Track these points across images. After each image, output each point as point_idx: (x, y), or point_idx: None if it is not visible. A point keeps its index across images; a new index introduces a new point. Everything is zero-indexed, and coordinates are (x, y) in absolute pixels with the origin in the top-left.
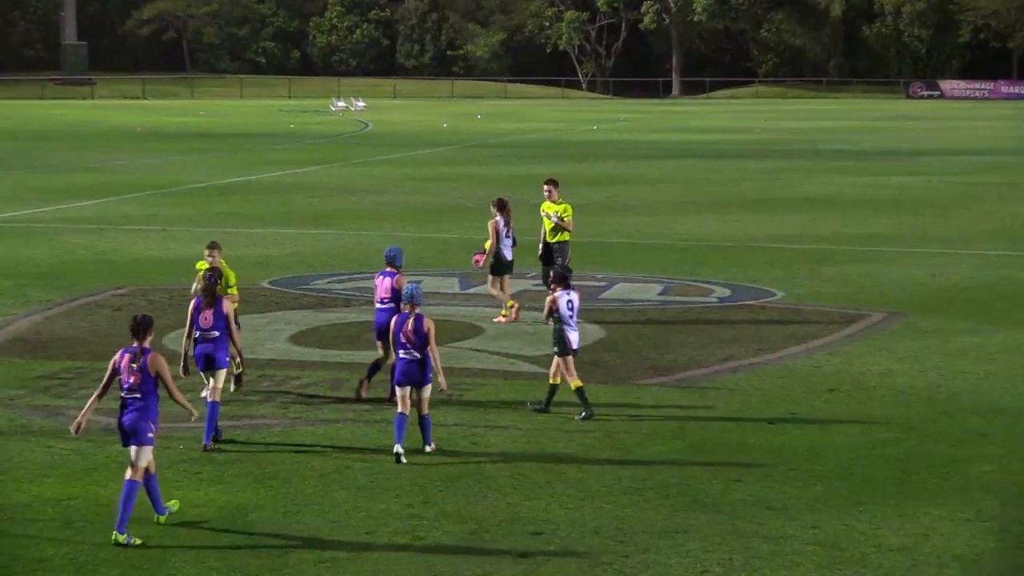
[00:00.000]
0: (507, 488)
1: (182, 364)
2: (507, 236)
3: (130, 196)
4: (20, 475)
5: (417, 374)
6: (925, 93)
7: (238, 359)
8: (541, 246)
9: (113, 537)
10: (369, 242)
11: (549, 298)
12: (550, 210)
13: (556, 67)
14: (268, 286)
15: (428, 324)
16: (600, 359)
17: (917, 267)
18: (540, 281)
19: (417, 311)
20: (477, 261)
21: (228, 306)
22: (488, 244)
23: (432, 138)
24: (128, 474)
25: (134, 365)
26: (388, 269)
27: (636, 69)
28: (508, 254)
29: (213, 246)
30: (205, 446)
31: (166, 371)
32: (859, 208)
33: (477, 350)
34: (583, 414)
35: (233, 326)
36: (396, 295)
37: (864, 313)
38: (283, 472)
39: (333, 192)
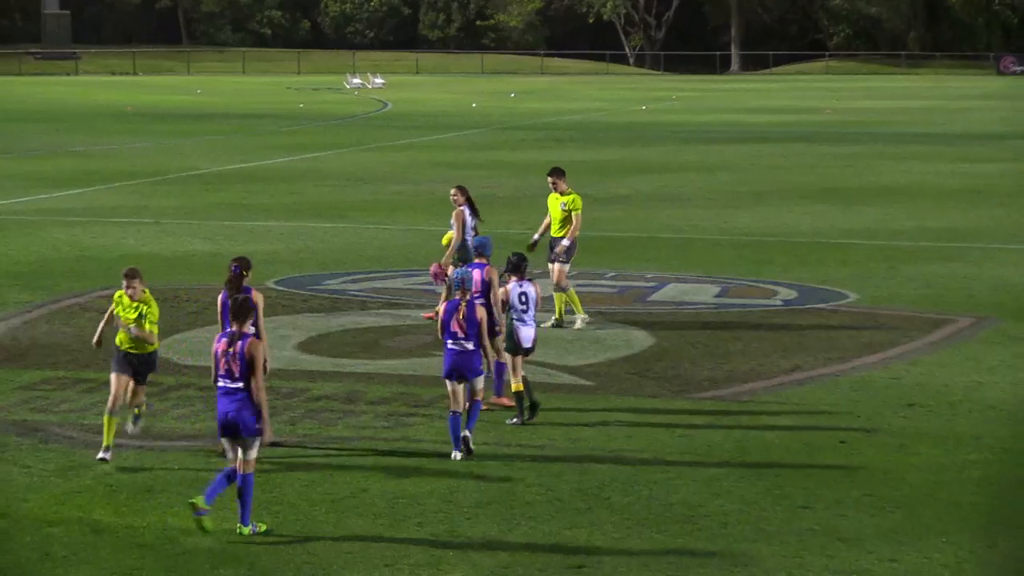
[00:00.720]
0: (543, 515)
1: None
2: (472, 228)
3: (119, 184)
4: None
5: (468, 366)
6: (1018, 68)
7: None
8: (534, 239)
9: (238, 529)
10: (388, 237)
11: (501, 289)
12: (559, 201)
13: (599, 39)
14: (273, 286)
15: (481, 312)
16: (649, 369)
17: (1010, 266)
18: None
19: (469, 298)
20: (437, 274)
21: (258, 298)
22: (448, 238)
23: (459, 119)
24: (240, 468)
25: (231, 350)
26: (477, 260)
27: (690, 41)
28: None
29: (132, 275)
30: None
31: (259, 360)
32: (944, 199)
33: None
34: (514, 420)
35: (261, 324)
36: (487, 288)
37: (949, 318)
38: (290, 496)
39: (347, 180)
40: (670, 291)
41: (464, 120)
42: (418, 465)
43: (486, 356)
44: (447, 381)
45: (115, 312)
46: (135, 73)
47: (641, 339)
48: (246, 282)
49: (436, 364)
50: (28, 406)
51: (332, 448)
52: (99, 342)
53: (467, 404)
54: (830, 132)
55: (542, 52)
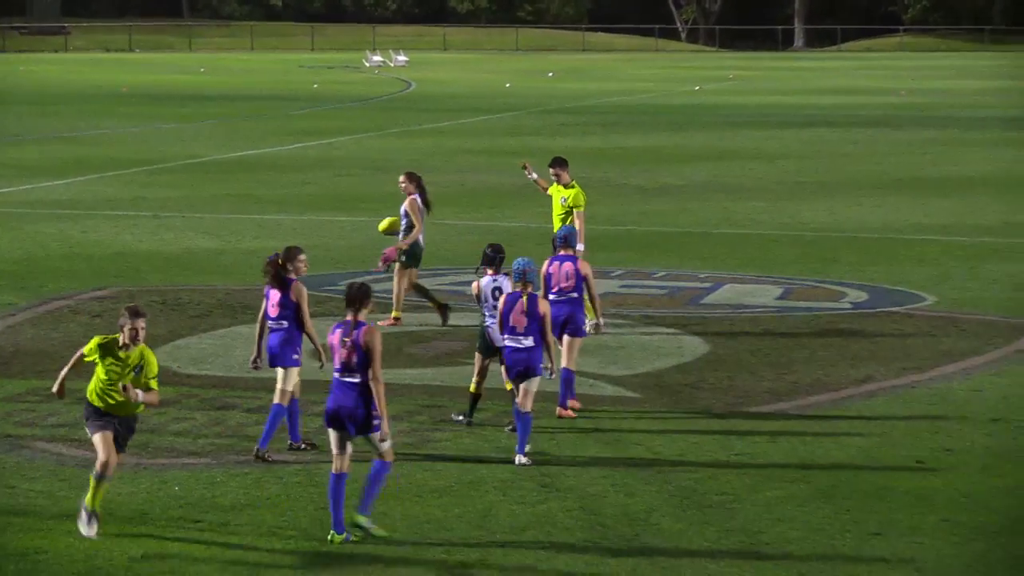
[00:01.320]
0: (584, 543)
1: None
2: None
3: (113, 173)
4: None
5: (525, 364)
6: None
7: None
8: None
9: (330, 538)
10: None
11: (474, 283)
12: (560, 195)
13: (648, 12)
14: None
15: (543, 307)
16: (703, 380)
17: None
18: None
19: (530, 290)
20: (388, 257)
21: (298, 290)
22: (388, 224)
23: (491, 102)
24: (337, 468)
25: (346, 340)
26: (563, 252)
27: (748, 14)
28: (422, 240)
29: (139, 313)
30: (257, 451)
31: (377, 351)
32: None
33: (548, 368)
34: (462, 417)
35: (306, 315)
36: (579, 281)
37: None
38: (303, 520)
39: (367, 169)
40: (726, 293)
41: (496, 102)
42: (445, 486)
43: (549, 355)
44: (511, 381)
45: (104, 364)
46: (131, 50)
47: (694, 346)
48: (291, 274)
49: (466, 373)
50: (12, 420)
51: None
52: (61, 391)
53: (517, 416)
54: (905, 116)
55: (584, 27)
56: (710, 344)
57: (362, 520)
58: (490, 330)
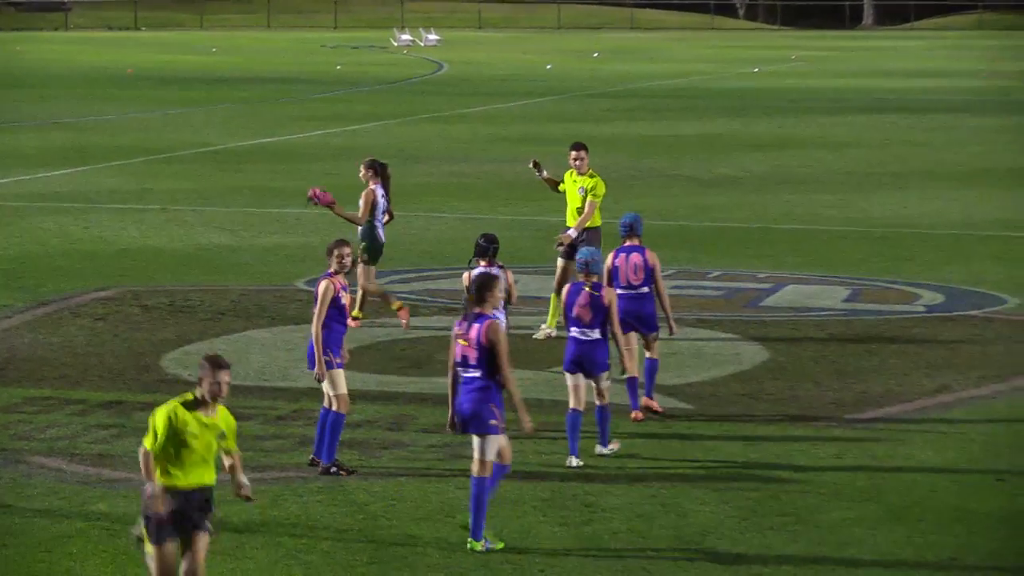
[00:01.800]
0: (633, 568)
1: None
2: (384, 212)
3: (118, 163)
4: None
5: (592, 358)
6: None
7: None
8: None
9: (468, 545)
10: (444, 227)
11: (465, 275)
12: (577, 184)
13: None
14: (305, 287)
15: (609, 296)
16: (763, 391)
17: None
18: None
19: (595, 280)
20: (319, 197)
21: (322, 287)
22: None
23: (531, 84)
24: (475, 470)
25: (459, 333)
26: (629, 243)
27: None
28: (383, 234)
29: (219, 364)
30: (312, 460)
31: (502, 344)
32: None
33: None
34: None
35: (320, 309)
36: (649, 275)
37: None
38: (325, 544)
39: (394, 158)
40: (788, 295)
41: (537, 85)
42: None
43: (619, 348)
44: (567, 375)
45: (185, 435)
46: (137, 28)
47: (752, 353)
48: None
49: None
50: (7, 432)
51: (376, 484)
52: (161, 504)
53: (597, 409)
54: (985, 101)
55: (632, 3)
56: (770, 351)
57: (479, 546)
58: None
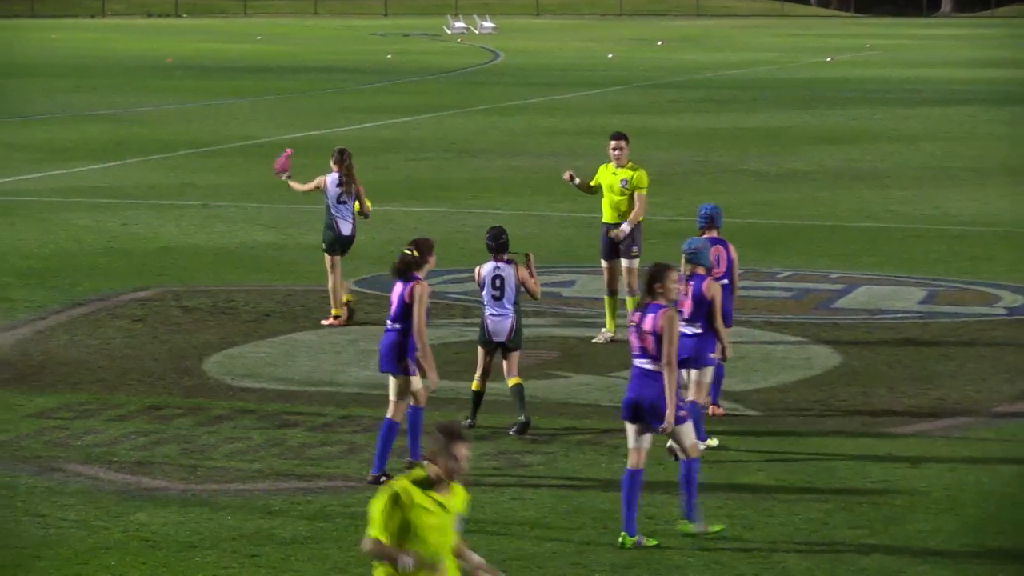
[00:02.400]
0: None
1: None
2: (344, 202)
3: (157, 157)
4: (0, 557)
5: (695, 352)
6: None
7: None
8: (576, 181)
9: (620, 540)
10: (499, 224)
11: (477, 269)
12: (617, 176)
13: None
14: (353, 287)
15: (712, 289)
16: (835, 396)
17: None
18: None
19: (700, 272)
20: (283, 165)
21: (421, 290)
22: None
23: (591, 75)
24: (633, 462)
25: (634, 323)
26: (709, 234)
27: None
28: (346, 227)
29: (456, 435)
30: (373, 477)
31: (673, 334)
32: None
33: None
34: (468, 421)
35: (421, 317)
36: (731, 266)
37: None
38: None
39: (447, 152)
40: (861, 296)
41: (597, 75)
42: (538, 517)
43: (720, 341)
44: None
45: (415, 519)
46: (177, 15)
47: (823, 357)
48: (421, 272)
49: (560, 388)
50: (42, 439)
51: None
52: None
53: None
54: None
55: None
56: (842, 355)
57: (692, 527)
58: (489, 322)
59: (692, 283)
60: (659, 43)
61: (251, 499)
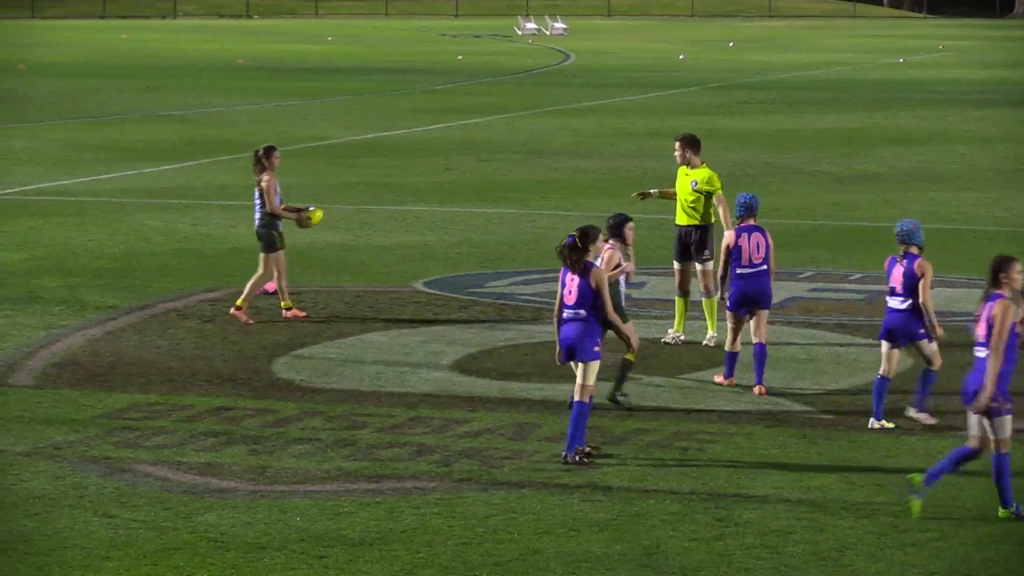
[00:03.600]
0: None
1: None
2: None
3: (227, 158)
4: (70, 557)
5: (905, 328)
6: None
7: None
8: (651, 191)
9: (999, 512)
10: (570, 226)
11: (605, 254)
12: (689, 178)
13: None
14: (423, 288)
15: (924, 267)
16: (906, 399)
17: None
18: (677, 289)
19: (912, 251)
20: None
21: (600, 275)
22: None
23: (663, 76)
24: (1000, 448)
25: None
26: (746, 223)
27: None
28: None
29: None
30: (564, 457)
31: (1000, 321)
32: None
33: (723, 385)
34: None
35: (607, 299)
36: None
37: None
38: (443, 558)
39: (518, 154)
40: (933, 298)
41: (668, 76)
42: (607, 518)
43: (929, 319)
44: (884, 343)
45: None
46: (248, 15)
47: (895, 360)
48: (589, 257)
49: (629, 390)
50: (112, 439)
51: (496, 496)
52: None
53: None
54: None
55: None
56: (914, 358)
57: (1006, 513)
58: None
59: (905, 260)
60: (730, 44)
61: (320, 500)
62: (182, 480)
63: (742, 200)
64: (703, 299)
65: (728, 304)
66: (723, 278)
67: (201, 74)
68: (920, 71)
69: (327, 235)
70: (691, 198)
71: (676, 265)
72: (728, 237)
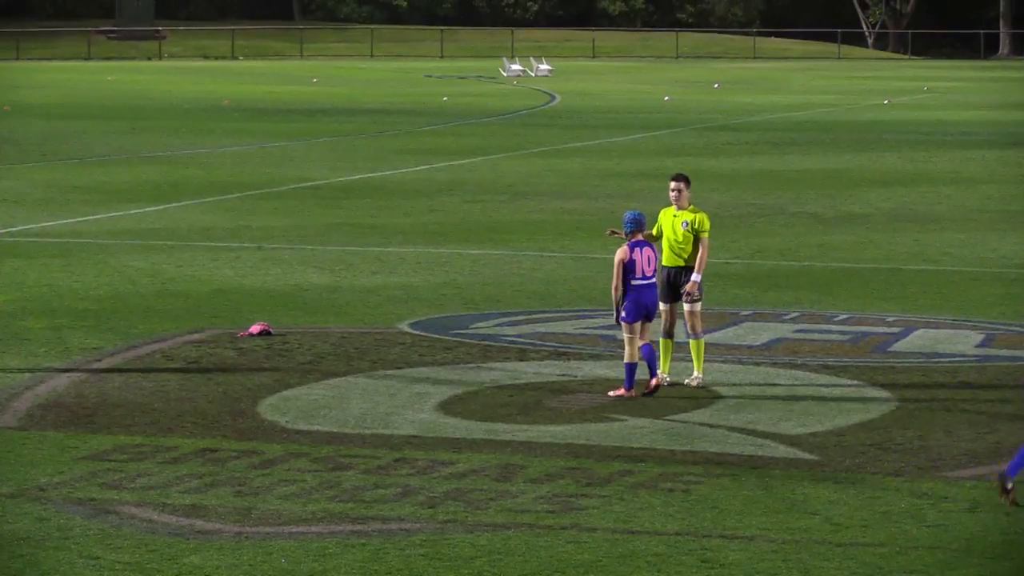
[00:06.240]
0: None
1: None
2: None
3: (213, 199)
4: None
5: None
6: None
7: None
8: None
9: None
10: (555, 267)
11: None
12: (679, 219)
13: (828, 13)
14: (408, 330)
15: None
16: (891, 440)
17: None
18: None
19: None
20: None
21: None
22: None
23: (648, 117)
24: None
25: None
26: (634, 239)
27: (945, 17)
28: None
29: None
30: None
31: None
32: None
33: (710, 424)
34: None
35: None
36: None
37: None
38: None
39: (503, 195)
40: (918, 339)
41: (653, 118)
42: (592, 560)
43: None
44: None
45: None
46: (234, 57)
47: (880, 401)
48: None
49: (615, 431)
50: (97, 481)
51: (482, 537)
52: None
53: None
54: None
55: (755, 31)
56: (899, 398)
57: None
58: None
59: None
60: (715, 85)
61: (305, 541)
62: (167, 522)
63: (631, 217)
64: (690, 340)
65: (627, 317)
66: (620, 291)
67: (186, 115)
68: (905, 112)
69: (312, 276)
70: (681, 239)
71: (662, 306)
72: (623, 253)
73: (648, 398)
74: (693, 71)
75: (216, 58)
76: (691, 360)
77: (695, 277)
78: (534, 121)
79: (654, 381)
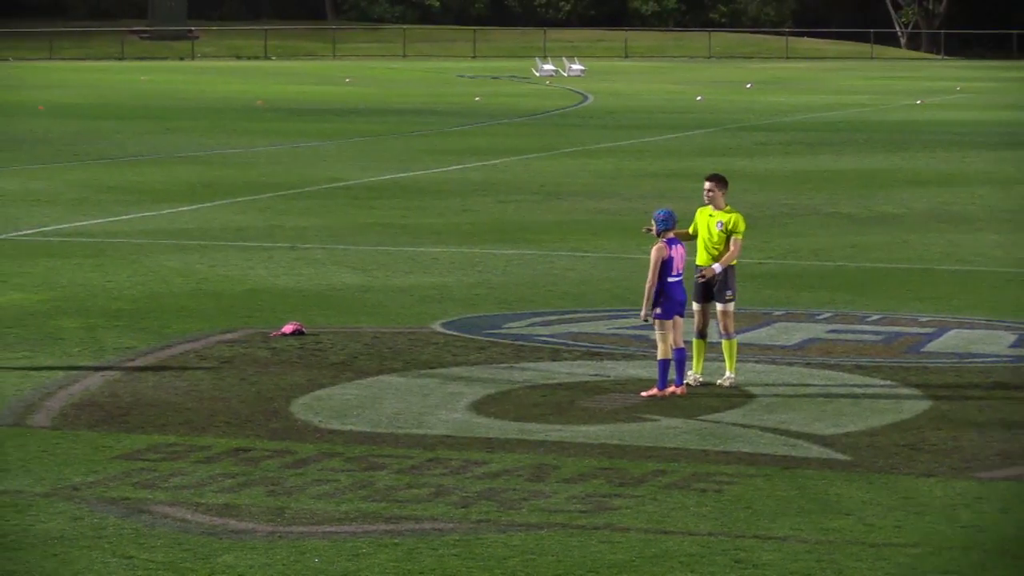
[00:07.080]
0: None
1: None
2: None
3: (245, 199)
4: None
5: None
6: None
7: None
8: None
9: None
10: (588, 267)
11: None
12: (714, 219)
13: (862, 14)
14: (441, 330)
15: None
16: (924, 440)
17: None
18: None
19: None
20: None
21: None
22: None
23: (680, 117)
24: None
25: None
26: (667, 236)
27: (979, 17)
28: None
29: None
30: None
31: None
32: None
33: (743, 425)
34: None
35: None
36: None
37: None
38: None
39: (536, 195)
40: (951, 340)
41: (686, 118)
42: (625, 560)
43: None
44: None
45: None
46: (266, 57)
47: (913, 401)
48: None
49: (648, 431)
50: (130, 480)
51: (515, 537)
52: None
53: None
54: None
55: (787, 31)
56: (932, 399)
57: None
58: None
59: None
60: (748, 85)
61: (338, 541)
62: (200, 521)
63: (664, 215)
64: (723, 341)
65: (661, 315)
66: (656, 291)
67: (219, 115)
68: (938, 112)
69: (345, 276)
70: (715, 239)
71: (696, 306)
72: (662, 250)
73: (679, 399)
74: (726, 71)
75: (249, 58)
76: (723, 360)
77: (716, 267)
78: (567, 121)
79: (681, 389)
